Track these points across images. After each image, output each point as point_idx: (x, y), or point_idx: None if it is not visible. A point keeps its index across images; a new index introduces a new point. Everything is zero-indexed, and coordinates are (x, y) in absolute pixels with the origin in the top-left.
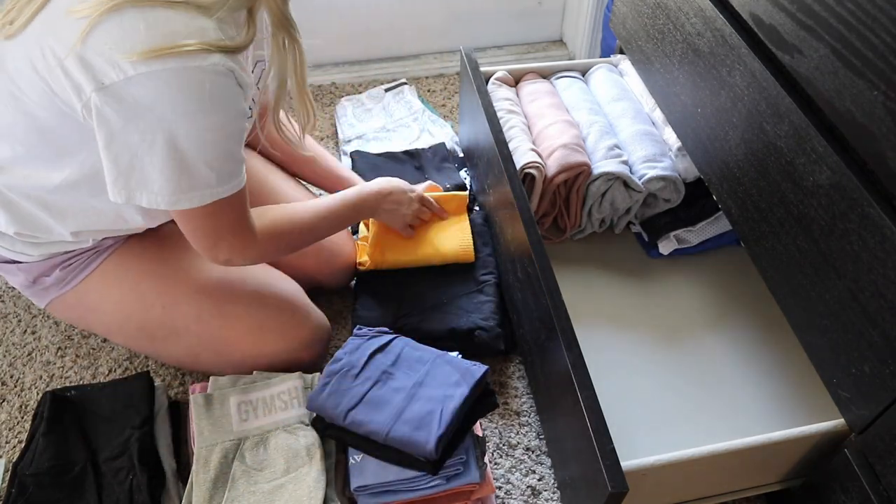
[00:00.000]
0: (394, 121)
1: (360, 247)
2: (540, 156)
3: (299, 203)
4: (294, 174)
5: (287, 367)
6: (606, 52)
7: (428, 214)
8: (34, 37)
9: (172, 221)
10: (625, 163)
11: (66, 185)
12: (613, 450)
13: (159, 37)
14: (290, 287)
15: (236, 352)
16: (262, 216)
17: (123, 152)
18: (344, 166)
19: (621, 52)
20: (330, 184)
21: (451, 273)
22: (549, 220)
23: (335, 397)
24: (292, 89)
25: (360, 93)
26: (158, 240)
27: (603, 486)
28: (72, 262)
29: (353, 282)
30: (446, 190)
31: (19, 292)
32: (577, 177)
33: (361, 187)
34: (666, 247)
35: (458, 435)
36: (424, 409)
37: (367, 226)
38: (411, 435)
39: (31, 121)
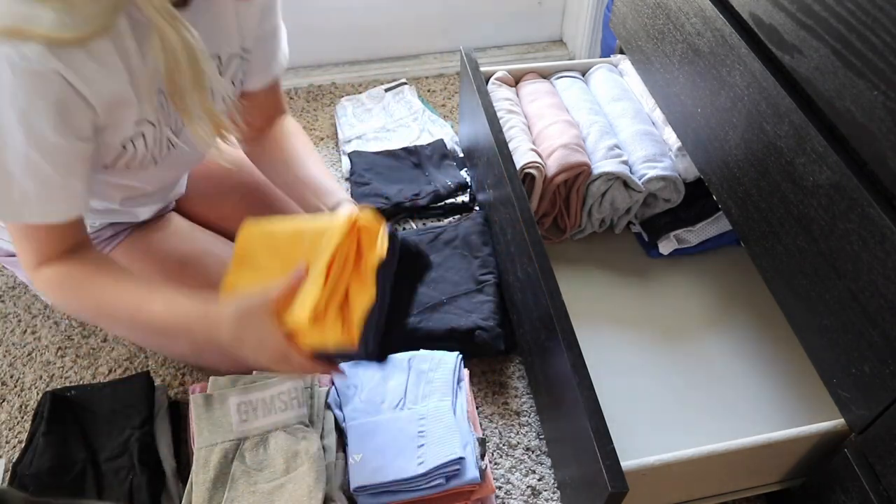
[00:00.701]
0: (394, 121)
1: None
2: (540, 156)
3: (145, 283)
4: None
5: None
6: (606, 52)
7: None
8: None
9: (176, 215)
10: (625, 163)
11: None
12: (613, 450)
13: None
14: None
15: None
16: (77, 260)
17: None
18: (326, 177)
19: (621, 52)
20: (296, 193)
21: (450, 273)
22: (549, 221)
23: None
24: (172, 92)
25: (360, 93)
26: (164, 234)
27: (603, 487)
28: None
29: None
30: (448, 189)
31: (20, 292)
32: (577, 177)
33: (221, 320)
34: (666, 247)
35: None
36: None
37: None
38: None
39: None
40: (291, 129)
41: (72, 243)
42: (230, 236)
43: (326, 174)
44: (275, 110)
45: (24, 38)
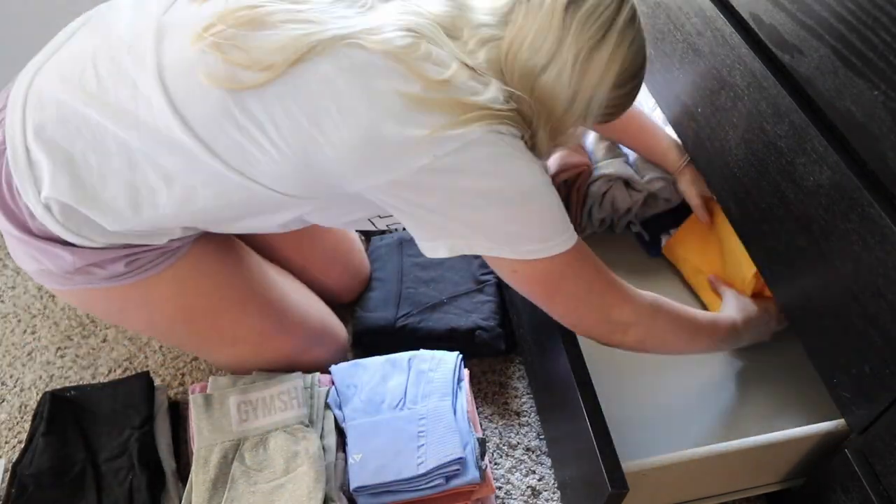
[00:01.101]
0: None
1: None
2: None
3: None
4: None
5: (310, 367)
6: None
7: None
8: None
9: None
10: (626, 163)
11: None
12: (614, 450)
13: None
14: (321, 303)
15: (281, 361)
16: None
17: (462, 210)
18: (659, 132)
19: None
20: (641, 148)
21: (451, 273)
22: None
23: None
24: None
25: None
26: (229, 246)
27: (603, 487)
28: (139, 258)
29: None
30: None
31: (19, 292)
32: (577, 177)
33: (733, 319)
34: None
35: None
36: None
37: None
38: None
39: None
40: None
41: None
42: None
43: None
44: None
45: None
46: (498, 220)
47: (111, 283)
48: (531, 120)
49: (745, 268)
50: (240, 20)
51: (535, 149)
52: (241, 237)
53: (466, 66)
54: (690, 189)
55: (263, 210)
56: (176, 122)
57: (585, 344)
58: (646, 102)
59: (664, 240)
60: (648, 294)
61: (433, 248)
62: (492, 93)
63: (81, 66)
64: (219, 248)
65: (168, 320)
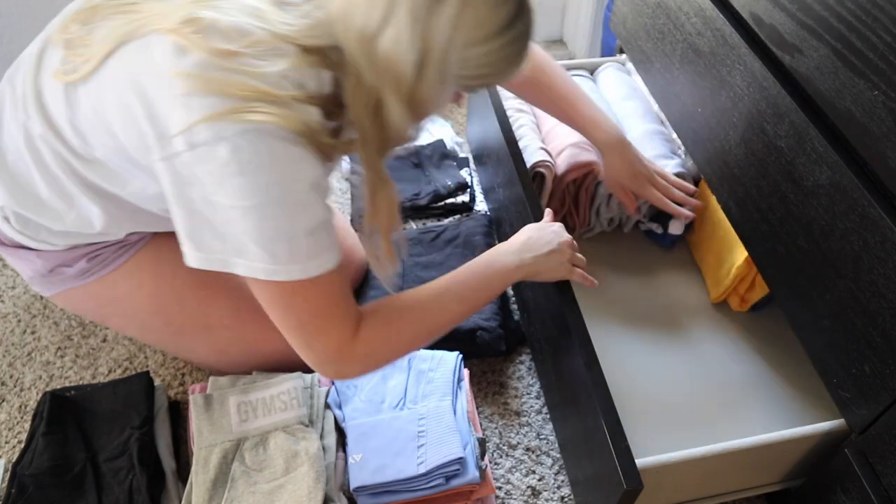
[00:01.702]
0: None
1: None
2: (549, 154)
3: (422, 287)
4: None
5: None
6: (606, 52)
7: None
8: (114, 83)
9: None
10: None
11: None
12: (628, 448)
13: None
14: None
15: (268, 348)
16: (370, 308)
17: (204, 214)
18: (588, 104)
19: (621, 52)
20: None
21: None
22: (559, 220)
23: None
24: (373, 234)
25: None
26: None
27: (618, 484)
28: (100, 253)
29: None
30: (448, 189)
31: (20, 292)
32: (585, 176)
33: (493, 258)
34: (676, 227)
35: None
36: None
37: None
38: None
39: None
40: (543, 65)
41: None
42: None
43: (592, 107)
44: None
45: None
46: (243, 229)
47: (82, 282)
48: (359, 99)
49: (737, 252)
50: (83, 17)
51: (389, 124)
52: None
53: (272, 36)
54: (608, 176)
55: (135, 187)
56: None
57: (595, 342)
58: (654, 101)
59: (673, 224)
60: (376, 322)
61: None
62: (279, 67)
63: (7, 80)
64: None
65: (140, 312)
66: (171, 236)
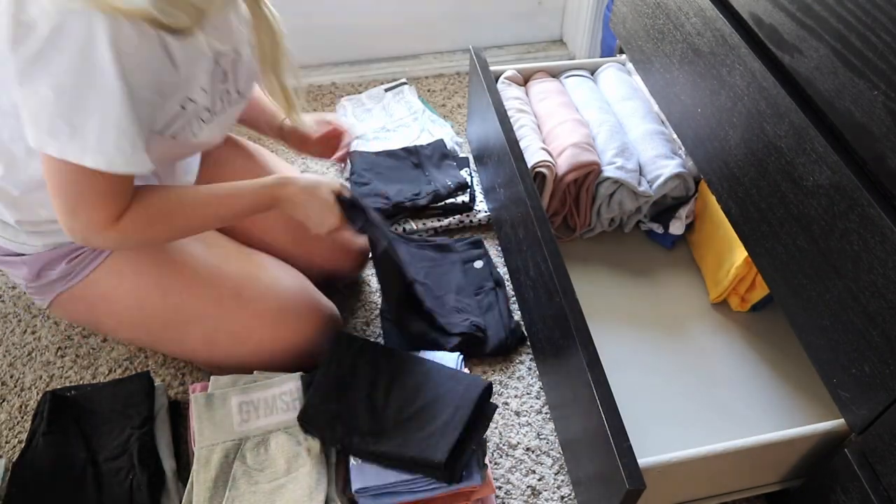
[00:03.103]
0: (394, 121)
1: None
2: (550, 155)
3: (197, 187)
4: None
5: (300, 358)
6: (606, 52)
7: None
8: None
9: None
10: (622, 168)
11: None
12: (630, 447)
13: None
14: (299, 278)
15: (254, 338)
16: (146, 199)
17: (33, 82)
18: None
19: (621, 52)
20: (251, 120)
21: (453, 275)
22: (560, 220)
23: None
24: (260, 70)
25: (360, 93)
26: None
27: (620, 484)
28: (79, 254)
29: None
30: (448, 189)
31: (20, 292)
32: (586, 176)
33: (275, 184)
34: (677, 227)
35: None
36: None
37: None
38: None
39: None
40: None
41: (130, 194)
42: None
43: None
44: None
45: (131, 16)
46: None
47: (67, 285)
48: None
49: (737, 252)
50: None
51: None
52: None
53: None
54: (300, 137)
55: None
56: None
57: (599, 343)
58: (655, 101)
59: (673, 224)
60: (140, 212)
61: None
62: None
63: None
64: None
65: (126, 309)
66: None
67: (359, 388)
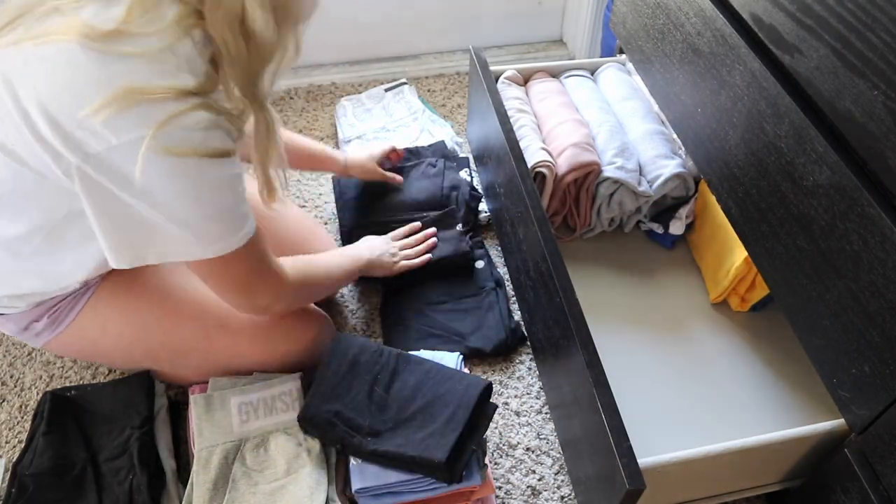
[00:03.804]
0: (394, 121)
1: None
2: (550, 155)
3: (313, 256)
4: None
5: (295, 367)
6: (606, 52)
7: (411, 248)
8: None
9: None
10: (622, 168)
11: (23, 240)
12: (630, 447)
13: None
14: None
15: (246, 363)
16: (287, 263)
17: (124, 216)
18: (311, 142)
19: (621, 52)
20: (306, 162)
21: (452, 276)
22: (560, 220)
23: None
24: (254, 164)
25: (360, 93)
26: (143, 267)
27: (620, 484)
28: (58, 307)
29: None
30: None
31: None
32: (586, 176)
33: (357, 255)
34: (677, 227)
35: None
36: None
37: None
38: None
39: None
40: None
41: None
42: None
43: (317, 143)
44: None
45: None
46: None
47: (53, 333)
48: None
49: (737, 252)
50: None
51: (255, 34)
52: None
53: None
54: (365, 173)
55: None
56: None
57: (600, 343)
58: (655, 101)
59: (673, 224)
60: (293, 269)
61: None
62: (159, 42)
63: None
64: (135, 270)
65: (115, 350)
66: (122, 272)
67: (358, 388)
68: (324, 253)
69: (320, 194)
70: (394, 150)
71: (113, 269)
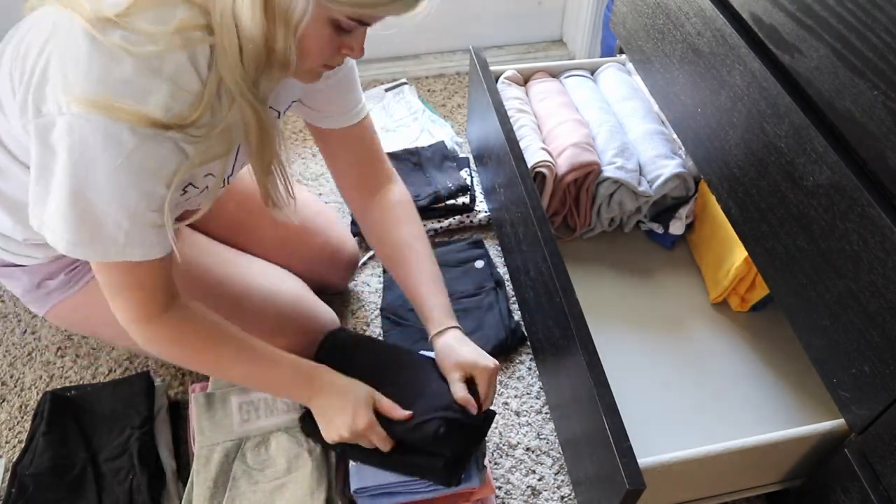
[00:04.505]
0: (394, 121)
1: None
2: (550, 154)
3: (247, 337)
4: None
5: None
6: (606, 52)
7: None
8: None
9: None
10: (622, 168)
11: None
12: (630, 447)
13: (102, 87)
14: (297, 285)
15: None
16: (196, 317)
17: (42, 183)
18: (432, 291)
19: (621, 52)
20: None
21: (453, 276)
22: (560, 220)
23: None
24: (252, 165)
25: None
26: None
27: (620, 484)
28: (78, 264)
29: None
30: (448, 191)
31: None
32: (586, 176)
33: (318, 373)
34: (677, 227)
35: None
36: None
37: None
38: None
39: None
40: (397, 201)
41: (170, 293)
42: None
43: (434, 291)
44: (370, 167)
45: (138, 118)
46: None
47: (66, 294)
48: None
49: (737, 253)
50: None
51: (246, 33)
52: (198, 228)
53: None
54: (445, 362)
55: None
56: None
57: (600, 343)
58: (655, 101)
59: (673, 224)
60: (196, 322)
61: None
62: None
63: None
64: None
65: (233, 374)
66: None
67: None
68: (269, 348)
69: (320, 194)
70: (490, 379)
71: None
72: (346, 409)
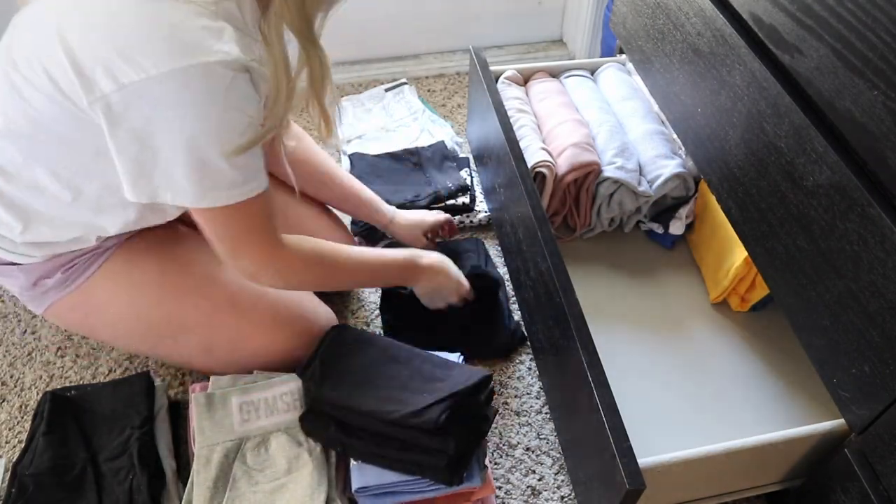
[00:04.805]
0: (394, 121)
1: None
2: (550, 155)
3: (347, 245)
4: (312, 195)
5: (299, 362)
6: (606, 52)
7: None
8: (46, 14)
9: (178, 218)
10: (622, 168)
11: (48, 179)
12: (630, 447)
13: (178, 40)
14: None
15: (251, 346)
16: (302, 241)
17: (144, 152)
18: (364, 188)
19: (621, 52)
20: (351, 206)
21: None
22: (560, 220)
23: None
24: (310, 100)
25: (360, 93)
26: (162, 236)
27: (620, 484)
28: (74, 263)
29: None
30: (448, 191)
31: None
32: (586, 176)
33: (415, 255)
34: (677, 227)
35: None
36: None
37: None
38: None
39: (31, 113)
40: (314, 146)
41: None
42: None
43: (364, 189)
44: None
45: (221, 56)
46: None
47: (63, 293)
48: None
49: (737, 252)
50: None
51: (311, 29)
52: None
53: None
54: (407, 238)
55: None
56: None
57: (597, 342)
58: (655, 101)
59: (673, 224)
60: (304, 249)
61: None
62: None
63: None
64: (156, 237)
65: (121, 319)
66: (142, 240)
67: (357, 385)
68: (366, 248)
69: None
70: (448, 223)
71: (132, 236)
72: (451, 279)
